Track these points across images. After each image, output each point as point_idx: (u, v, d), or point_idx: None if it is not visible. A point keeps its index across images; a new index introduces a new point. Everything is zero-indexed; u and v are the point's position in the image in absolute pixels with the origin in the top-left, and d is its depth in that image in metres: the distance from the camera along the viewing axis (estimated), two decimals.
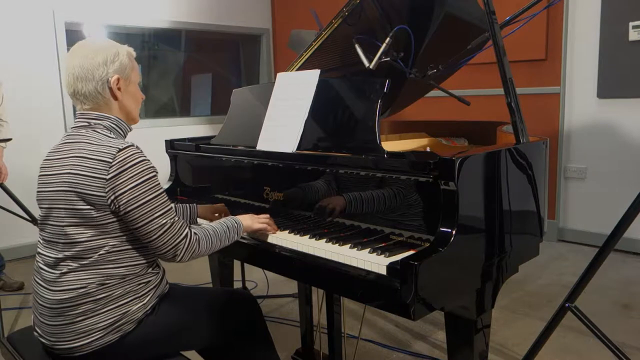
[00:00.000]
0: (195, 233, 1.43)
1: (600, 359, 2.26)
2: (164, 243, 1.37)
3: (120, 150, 1.33)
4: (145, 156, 1.38)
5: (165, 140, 2.24)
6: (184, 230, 1.41)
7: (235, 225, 1.56)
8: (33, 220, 3.13)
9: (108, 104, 1.44)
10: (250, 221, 1.60)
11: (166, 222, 1.37)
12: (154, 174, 1.38)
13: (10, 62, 3.95)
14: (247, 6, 5.56)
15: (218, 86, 5.84)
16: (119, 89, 1.43)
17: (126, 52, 1.47)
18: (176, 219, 1.40)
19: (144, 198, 1.34)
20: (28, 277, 3.49)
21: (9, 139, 3.07)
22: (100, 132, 1.41)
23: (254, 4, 5.63)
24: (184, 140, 2.21)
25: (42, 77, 4.16)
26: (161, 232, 1.36)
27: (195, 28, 5.20)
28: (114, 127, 1.44)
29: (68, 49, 4.21)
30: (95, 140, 1.37)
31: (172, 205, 1.42)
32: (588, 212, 3.93)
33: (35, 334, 1.46)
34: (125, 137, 1.49)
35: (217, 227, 1.51)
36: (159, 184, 1.39)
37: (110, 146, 1.34)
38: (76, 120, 1.45)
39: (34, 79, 4.10)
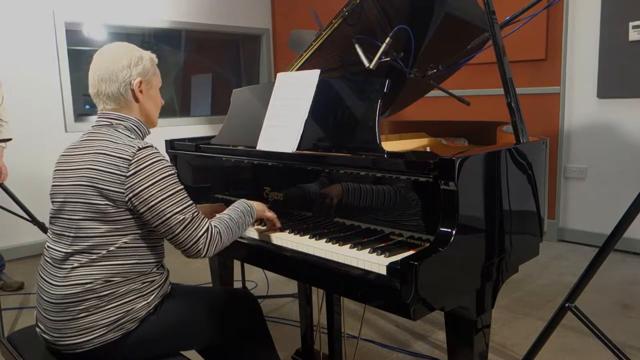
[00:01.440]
0: (215, 226, 1.44)
1: (600, 359, 2.27)
2: (186, 238, 1.38)
3: (140, 149, 1.37)
4: (163, 156, 1.41)
5: (165, 140, 2.24)
6: (205, 224, 1.41)
7: (248, 208, 1.57)
8: (33, 220, 3.13)
9: (129, 106, 1.48)
10: (261, 207, 1.62)
11: (186, 217, 1.38)
12: (172, 172, 1.41)
13: (10, 62, 3.95)
14: (247, 6, 5.56)
15: (218, 86, 5.84)
16: (140, 91, 1.48)
17: (149, 57, 1.53)
18: (196, 213, 1.41)
19: (161, 195, 1.36)
20: (28, 277, 3.50)
21: (9, 139, 3.07)
22: (121, 131, 1.45)
23: (254, 4, 5.63)
24: (184, 140, 2.21)
25: (42, 77, 4.16)
26: (182, 227, 1.37)
27: (195, 28, 5.20)
28: (134, 128, 1.48)
29: (68, 49, 4.26)
30: (116, 139, 1.41)
31: (191, 201, 1.43)
32: (588, 212, 3.93)
33: (38, 329, 1.47)
34: (144, 139, 1.52)
35: (232, 215, 1.51)
36: (178, 181, 1.42)
37: (131, 145, 1.38)
38: (98, 119, 1.49)
39: (34, 79, 4.10)
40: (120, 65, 1.45)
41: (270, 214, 1.62)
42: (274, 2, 5.75)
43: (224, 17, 5.35)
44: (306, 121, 1.68)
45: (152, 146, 1.41)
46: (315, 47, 1.94)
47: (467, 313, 1.41)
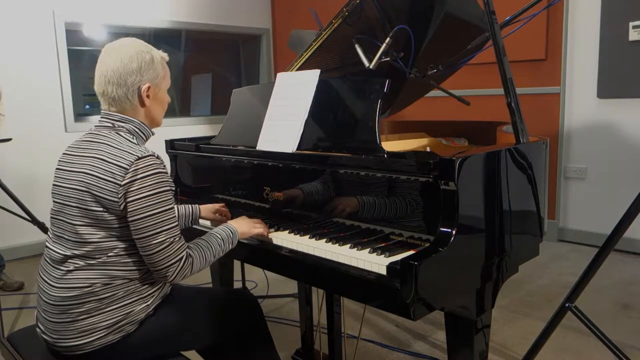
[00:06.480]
0: (190, 255, 1.40)
1: (600, 359, 2.27)
2: (159, 260, 1.35)
3: (139, 158, 1.32)
4: (163, 169, 1.36)
5: (165, 140, 2.24)
6: (181, 253, 1.37)
7: (231, 235, 1.54)
8: (33, 220, 3.13)
9: (134, 109, 1.44)
10: (247, 228, 1.59)
11: (166, 239, 1.34)
12: (167, 188, 1.35)
13: (10, 62, 3.95)
14: (247, 6, 5.56)
15: (218, 86, 5.84)
16: (148, 96, 1.43)
17: (160, 58, 1.46)
18: (177, 238, 1.37)
19: (150, 211, 1.32)
20: (28, 277, 3.50)
21: (9, 139, 3.07)
22: (123, 135, 1.40)
23: (254, 4, 5.63)
24: (184, 140, 2.21)
25: (42, 77, 4.16)
26: (159, 248, 1.34)
27: (195, 28, 5.20)
28: (136, 131, 1.44)
29: (68, 49, 4.26)
30: (116, 144, 1.36)
31: (177, 222, 1.39)
32: (588, 212, 3.93)
33: (38, 330, 1.47)
34: (147, 140, 1.48)
35: (212, 242, 1.49)
36: (171, 199, 1.37)
37: (131, 152, 1.33)
38: (100, 119, 1.45)
39: (34, 79, 4.10)
40: (130, 68, 1.39)
41: (257, 231, 1.58)
42: (274, 2, 5.75)
43: (224, 17, 5.35)
44: (306, 121, 1.68)
45: (153, 155, 1.36)
46: (315, 47, 1.94)
47: (467, 313, 1.41)
